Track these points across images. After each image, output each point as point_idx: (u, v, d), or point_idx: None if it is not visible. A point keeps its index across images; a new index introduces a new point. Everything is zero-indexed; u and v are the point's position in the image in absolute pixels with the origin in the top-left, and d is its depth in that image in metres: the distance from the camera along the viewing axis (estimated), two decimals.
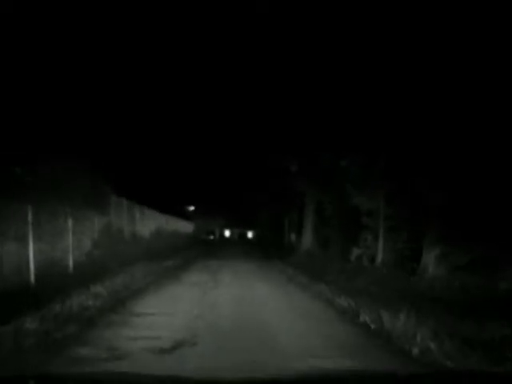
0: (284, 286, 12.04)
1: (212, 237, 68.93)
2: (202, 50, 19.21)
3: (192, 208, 60.97)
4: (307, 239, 23.77)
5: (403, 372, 3.86)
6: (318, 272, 14.85)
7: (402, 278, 11.22)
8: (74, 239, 12.38)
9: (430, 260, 10.94)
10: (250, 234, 72.53)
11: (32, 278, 9.69)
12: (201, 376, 3.04)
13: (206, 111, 30.78)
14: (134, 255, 17.71)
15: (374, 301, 8.72)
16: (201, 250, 30.78)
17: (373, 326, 6.78)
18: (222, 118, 29.43)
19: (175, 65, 21.92)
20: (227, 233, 76.51)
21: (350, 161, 14.36)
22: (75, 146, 14.58)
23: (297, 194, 27.37)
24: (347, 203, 16.02)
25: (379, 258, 13.43)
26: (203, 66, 21.34)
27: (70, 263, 12.04)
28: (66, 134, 15.35)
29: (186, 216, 49.43)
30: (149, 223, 24.89)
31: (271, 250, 32.46)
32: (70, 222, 12.10)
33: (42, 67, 14.54)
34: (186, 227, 44.87)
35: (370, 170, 13.52)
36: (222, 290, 10.42)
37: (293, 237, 35.95)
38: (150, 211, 25.28)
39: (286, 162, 23.18)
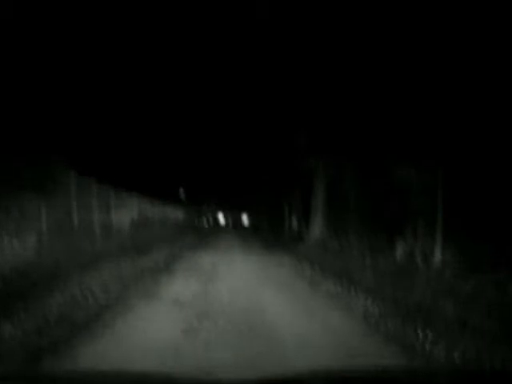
0: (309, 301, 8.17)
1: (205, 222, 65.15)
2: (198, 40, 19.05)
3: (183, 192, 57.01)
4: (317, 226, 19.92)
5: (409, 368, 3.77)
6: (344, 272, 11.09)
7: (492, 290, 7.38)
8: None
9: None
10: (245, 219, 68.69)
11: None
12: (199, 375, 2.85)
13: (194, 84, 27.16)
14: (105, 252, 13.86)
15: (491, 344, 5.00)
16: (191, 239, 26.88)
17: None
18: (212, 87, 25.76)
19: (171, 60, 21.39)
20: (221, 218, 72.58)
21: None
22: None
23: (300, 172, 23.58)
24: (383, 179, 12.24)
25: (437, 255, 9.59)
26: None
27: None
28: None
29: (176, 201, 45.50)
30: (129, 211, 20.99)
31: (272, 237, 28.82)
32: None
33: None
34: (175, 213, 40.99)
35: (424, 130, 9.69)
36: (219, 320, 6.47)
37: (294, 222, 32.10)
38: (130, 196, 21.36)
39: (292, 131, 19.34)
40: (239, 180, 46.35)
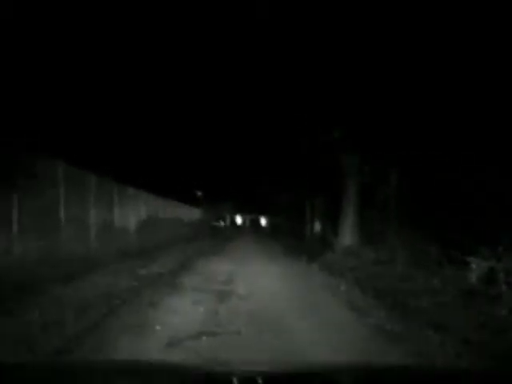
0: (360, 345, 5.74)
1: (222, 223, 62.92)
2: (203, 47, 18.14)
3: (200, 193, 54.87)
4: (348, 232, 17.41)
5: (416, 367, 3.48)
6: (393, 295, 8.69)
7: None
8: None
9: None
10: (263, 222, 66.23)
11: None
12: (206, 367, 2.69)
13: (207, 82, 25.31)
14: (100, 258, 11.75)
15: None
16: (206, 243, 24.63)
17: None
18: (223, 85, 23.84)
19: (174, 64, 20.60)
20: (239, 219, 70.17)
21: None
22: None
23: (325, 170, 21.16)
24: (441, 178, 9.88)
25: None
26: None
27: None
28: None
29: (193, 201, 43.31)
30: (136, 209, 18.80)
31: (294, 242, 26.42)
32: None
33: None
34: (191, 213, 38.82)
35: None
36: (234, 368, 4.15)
37: (317, 226, 29.62)
38: (138, 193, 19.17)
39: (325, 124, 16.91)
40: (258, 180, 43.98)
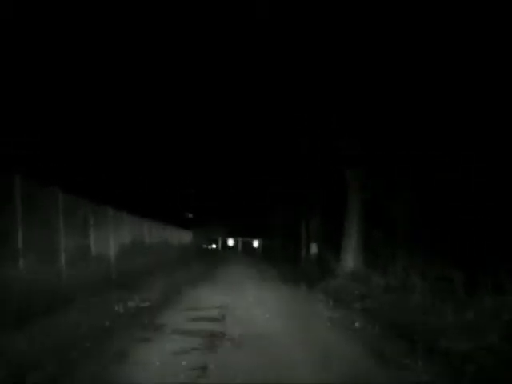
0: None
1: (214, 246, 61.13)
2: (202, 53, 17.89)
3: (190, 215, 53.16)
4: (351, 254, 15.81)
5: None
6: (421, 334, 7.07)
7: None
8: None
9: None
10: (256, 244, 64.30)
11: None
12: None
13: (200, 94, 24.04)
14: (75, 289, 10.08)
15: None
16: (196, 268, 22.77)
17: None
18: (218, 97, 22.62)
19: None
20: (231, 242, 68.16)
21: None
22: None
23: (322, 187, 19.86)
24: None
25: None
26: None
27: None
28: None
29: (183, 223, 41.58)
30: (118, 233, 17.03)
31: (289, 267, 24.72)
32: None
33: None
34: (181, 236, 37.01)
35: None
36: None
37: (313, 249, 27.92)
38: (120, 214, 17.42)
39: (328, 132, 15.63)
40: (251, 202, 42.45)
